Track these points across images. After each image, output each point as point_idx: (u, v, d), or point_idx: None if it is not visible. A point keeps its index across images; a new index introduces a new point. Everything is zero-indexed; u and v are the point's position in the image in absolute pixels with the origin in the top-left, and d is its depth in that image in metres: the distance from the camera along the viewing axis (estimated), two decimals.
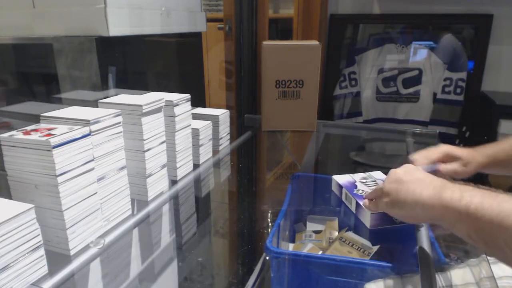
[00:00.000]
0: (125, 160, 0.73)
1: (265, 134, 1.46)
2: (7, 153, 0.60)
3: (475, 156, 0.73)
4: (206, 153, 1.05)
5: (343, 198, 0.87)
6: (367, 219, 0.74)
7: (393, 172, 0.62)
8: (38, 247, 0.55)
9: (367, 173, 0.91)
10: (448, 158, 0.74)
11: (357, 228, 0.89)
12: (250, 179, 1.19)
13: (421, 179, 0.56)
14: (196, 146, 1.00)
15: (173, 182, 0.92)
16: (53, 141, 0.56)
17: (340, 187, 0.88)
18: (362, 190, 0.82)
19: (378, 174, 0.91)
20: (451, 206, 0.49)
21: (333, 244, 0.85)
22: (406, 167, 0.63)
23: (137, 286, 0.71)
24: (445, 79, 1.87)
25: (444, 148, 0.74)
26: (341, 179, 0.90)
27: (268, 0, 1.83)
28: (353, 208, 0.80)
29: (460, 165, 0.73)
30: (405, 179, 0.58)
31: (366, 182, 0.87)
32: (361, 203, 0.75)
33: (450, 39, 1.88)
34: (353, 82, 2.00)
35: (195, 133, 0.99)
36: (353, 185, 0.85)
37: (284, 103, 1.30)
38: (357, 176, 0.90)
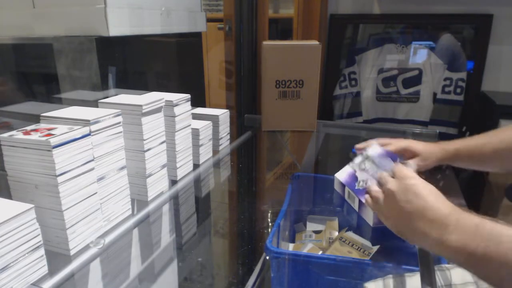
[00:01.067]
0: (125, 160, 0.73)
1: (265, 134, 1.45)
2: (7, 153, 0.60)
3: (434, 151, 0.77)
4: (206, 153, 1.05)
5: (346, 197, 0.85)
6: (370, 217, 0.73)
7: (390, 194, 0.58)
8: (38, 247, 0.55)
9: (364, 153, 0.85)
10: (407, 153, 0.79)
11: (358, 228, 0.89)
12: (250, 179, 1.19)
13: (422, 211, 0.52)
14: (196, 146, 1.00)
15: (173, 182, 0.92)
16: (53, 141, 0.56)
17: (343, 185, 0.87)
18: (363, 181, 0.80)
19: (375, 149, 0.84)
20: (458, 252, 0.48)
21: (333, 244, 0.85)
22: (403, 185, 0.57)
23: (137, 286, 0.71)
24: (445, 79, 1.87)
25: (403, 143, 0.79)
26: (342, 175, 0.87)
27: (268, 0, 1.83)
28: (356, 207, 0.80)
29: (419, 160, 0.77)
30: (405, 209, 0.54)
31: (365, 168, 0.83)
32: (363, 200, 0.75)
33: (449, 39, 1.88)
34: (353, 82, 2.00)
35: (195, 133, 0.99)
36: (354, 178, 0.83)
37: (284, 103, 1.30)
38: (356, 163, 0.84)
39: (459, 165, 0.78)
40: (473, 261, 0.46)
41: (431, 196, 0.53)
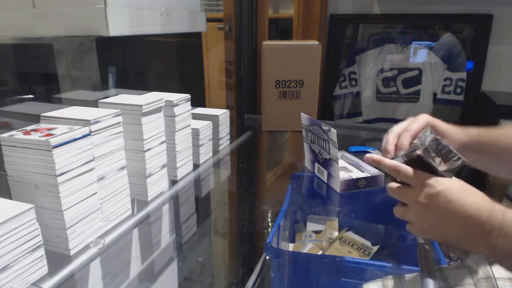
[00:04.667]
0: (125, 160, 0.73)
1: (265, 134, 1.45)
2: (7, 153, 0.60)
3: (458, 134, 0.63)
4: (206, 153, 1.05)
5: (316, 172, 0.95)
6: (337, 186, 0.85)
7: (418, 207, 0.51)
8: (38, 247, 0.55)
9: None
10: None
11: (357, 228, 0.89)
12: (250, 179, 1.19)
13: (461, 221, 0.48)
14: (196, 146, 1.00)
15: (173, 182, 0.92)
16: (53, 141, 0.56)
17: (312, 162, 0.95)
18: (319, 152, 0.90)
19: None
20: (508, 255, 0.47)
21: (333, 244, 0.85)
22: (430, 196, 0.50)
23: (137, 286, 0.71)
24: (445, 79, 1.87)
25: (426, 119, 0.61)
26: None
27: (268, 0, 1.83)
28: (325, 179, 0.91)
29: None
30: (441, 220, 0.50)
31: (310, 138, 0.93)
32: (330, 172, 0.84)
33: (450, 38, 1.88)
34: (353, 82, 2.00)
35: (195, 133, 0.99)
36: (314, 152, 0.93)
37: (284, 103, 1.31)
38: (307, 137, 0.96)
39: (472, 156, 0.63)
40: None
41: (465, 200, 0.48)
